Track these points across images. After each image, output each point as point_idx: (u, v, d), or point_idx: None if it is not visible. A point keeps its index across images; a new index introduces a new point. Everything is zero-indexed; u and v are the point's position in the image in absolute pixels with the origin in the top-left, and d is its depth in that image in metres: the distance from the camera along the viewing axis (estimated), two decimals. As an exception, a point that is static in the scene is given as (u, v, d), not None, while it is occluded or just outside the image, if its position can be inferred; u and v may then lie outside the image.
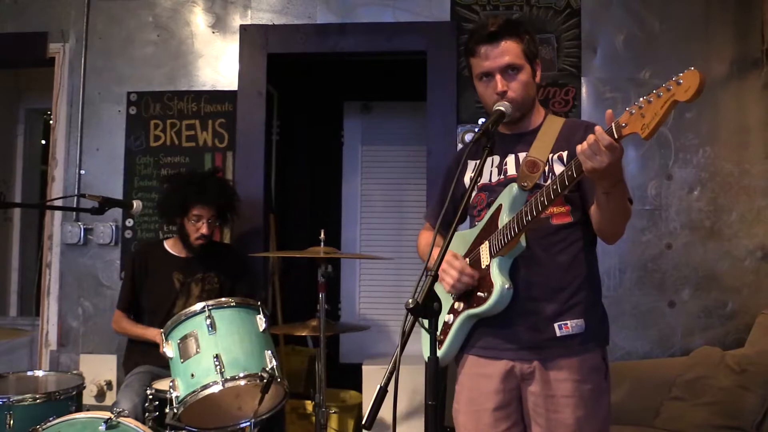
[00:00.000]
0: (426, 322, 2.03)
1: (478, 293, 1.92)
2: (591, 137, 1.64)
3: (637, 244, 3.45)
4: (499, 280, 1.87)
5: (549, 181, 1.79)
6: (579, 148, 1.66)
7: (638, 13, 3.56)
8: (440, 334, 2.01)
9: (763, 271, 3.43)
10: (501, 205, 1.95)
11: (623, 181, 1.78)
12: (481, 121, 3.53)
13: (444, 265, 1.94)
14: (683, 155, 3.49)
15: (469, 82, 3.52)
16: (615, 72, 3.55)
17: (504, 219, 1.91)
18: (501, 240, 1.88)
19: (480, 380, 1.99)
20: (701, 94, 1.43)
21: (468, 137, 3.54)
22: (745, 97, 3.50)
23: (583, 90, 3.55)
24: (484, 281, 1.91)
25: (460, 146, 3.56)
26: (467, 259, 2.00)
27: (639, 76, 3.53)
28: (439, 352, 1.99)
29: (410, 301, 1.57)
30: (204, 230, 3.20)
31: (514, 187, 1.94)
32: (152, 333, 3.08)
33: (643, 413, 3.06)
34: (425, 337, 2.03)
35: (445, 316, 2.02)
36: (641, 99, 1.53)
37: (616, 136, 1.59)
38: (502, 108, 1.93)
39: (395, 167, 5.17)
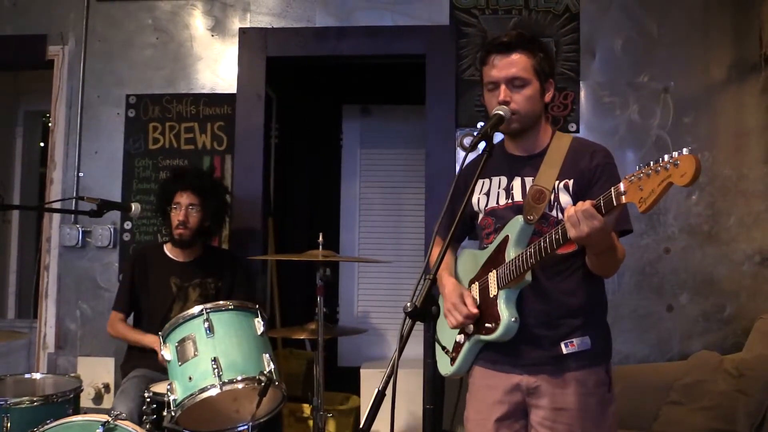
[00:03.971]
0: (442, 339, 2.13)
1: (487, 324, 1.98)
2: (579, 204, 1.70)
3: (635, 248, 3.45)
4: (506, 314, 1.92)
5: (547, 236, 1.82)
6: (566, 213, 1.72)
7: (637, 18, 3.56)
8: (452, 351, 2.10)
9: (761, 275, 3.43)
10: (507, 236, 1.99)
11: (612, 247, 1.85)
12: (480, 124, 3.53)
13: (449, 305, 2.03)
14: (682, 159, 3.48)
15: (468, 86, 3.56)
16: (614, 76, 3.56)
17: (510, 253, 1.95)
18: (508, 275, 1.93)
19: (486, 391, 2.05)
20: (698, 177, 1.45)
21: (467, 141, 3.55)
22: (743, 101, 3.51)
23: (582, 94, 3.55)
24: (492, 312, 1.96)
25: (459, 150, 3.57)
26: (476, 284, 2.05)
27: (638, 80, 3.54)
28: (451, 369, 2.10)
29: (408, 304, 1.58)
30: (181, 217, 3.18)
31: (520, 219, 1.97)
32: (150, 339, 3.07)
33: (641, 417, 3.06)
34: (441, 354, 2.14)
35: (456, 336, 2.09)
36: (641, 168, 1.55)
37: (615, 202, 1.62)
38: (500, 112, 1.94)
39: (394, 170, 5.17)
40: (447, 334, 2.14)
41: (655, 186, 1.52)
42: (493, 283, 1.98)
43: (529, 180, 2.02)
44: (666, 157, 1.50)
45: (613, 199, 1.63)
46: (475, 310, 1.99)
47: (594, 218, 1.67)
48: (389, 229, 5.13)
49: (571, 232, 1.71)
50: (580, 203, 1.71)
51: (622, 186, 1.60)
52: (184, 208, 3.20)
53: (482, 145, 1.83)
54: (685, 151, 1.47)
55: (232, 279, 3.33)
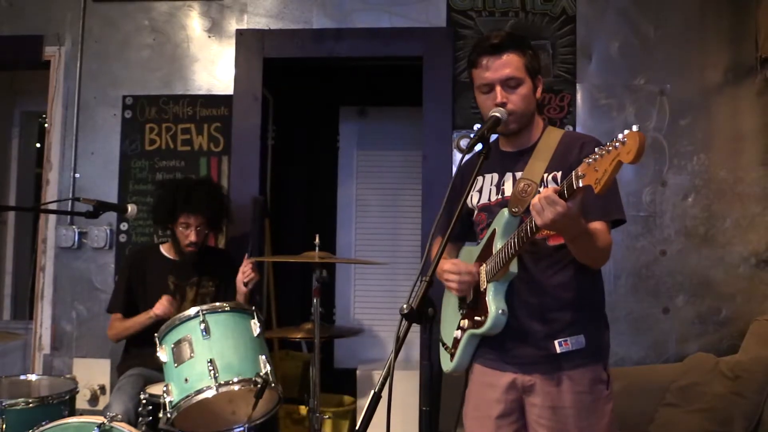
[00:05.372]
0: (443, 336, 2.14)
1: (476, 317, 1.98)
2: (543, 191, 1.71)
3: (631, 250, 3.46)
4: (493, 306, 1.92)
5: (523, 225, 1.83)
6: (531, 202, 1.73)
7: (633, 20, 3.57)
8: (452, 347, 2.10)
9: (757, 278, 3.44)
10: (495, 229, 2.00)
11: (587, 233, 1.84)
12: (476, 126, 3.53)
13: (445, 275, 2.02)
14: (678, 162, 3.50)
15: (465, 88, 3.56)
16: (610, 78, 3.56)
17: (497, 245, 1.96)
18: (494, 267, 1.93)
19: (485, 389, 2.06)
20: (642, 155, 1.48)
21: (463, 143, 3.55)
22: (739, 104, 3.52)
23: (578, 96, 3.56)
24: (481, 305, 1.97)
25: (455, 151, 3.57)
26: (472, 266, 2.05)
27: (634, 82, 3.55)
28: (451, 365, 2.10)
29: (405, 306, 1.58)
30: (192, 238, 3.17)
31: (505, 212, 1.97)
32: (151, 312, 3.02)
33: (636, 419, 3.06)
34: (442, 351, 2.15)
35: (455, 332, 2.10)
36: (596, 150, 1.57)
37: (575, 186, 1.63)
38: (497, 114, 1.95)
39: (391, 172, 5.17)
40: (448, 331, 2.14)
41: (607, 165, 1.53)
42: (483, 277, 1.98)
43: (519, 174, 2.03)
44: (619, 135, 1.51)
45: (573, 182, 1.63)
46: (472, 267, 2.00)
47: (556, 204, 1.67)
48: (386, 231, 5.12)
49: (537, 220, 1.72)
50: (544, 189, 1.71)
51: (580, 169, 1.61)
52: (194, 229, 3.18)
53: (479, 146, 1.84)
54: (634, 128, 1.49)
55: (229, 279, 3.31)
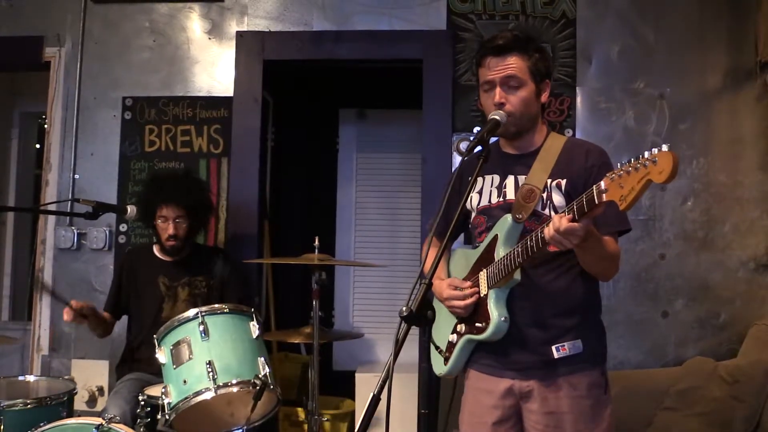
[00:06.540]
0: (436, 339, 2.12)
1: (477, 323, 1.97)
2: (555, 222, 1.68)
3: (630, 254, 3.45)
4: (495, 313, 1.92)
5: (533, 234, 1.81)
6: (546, 234, 1.72)
7: (633, 24, 3.58)
8: (446, 351, 2.09)
9: (756, 282, 3.44)
10: (497, 235, 1.98)
11: (595, 235, 1.81)
12: (476, 129, 3.53)
13: (447, 302, 2.03)
14: (677, 166, 3.49)
15: (465, 91, 3.57)
16: (610, 82, 3.57)
17: (500, 252, 1.94)
18: (497, 274, 1.92)
19: (481, 395, 2.05)
20: (676, 174, 1.46)
21: (463, 146, 3.55)
22: (738, 108, 3.52)
23: (578, 100, 3.56)
24: (482, 311, 1.96)
25: (455, 154, 3.57)
26: (469, 283, 2.04)
27: (634, 86, 3.55)
28: (445, 369, 2.09)
29: (404, 309, 1.58)
30: (171, 231, 3.15)
31: (509, 218, 1.96)
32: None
33: (635, 423, 3.06)
34: (435, 354, 2.14)
35: (449, 336, 2.09)
36: (622, 165, 1.55)
37: (597, 200, 1.61)
38: (496, 117, 1.95)
39: (390, 175, 5.17)
40: (441, 334, 2.14)
41: (635, 183, 1.51)
42: (483, 283, 1.98)
43: (521, 178, 2.02)
44: (646, 153, 1.49)
45: (595, 197, 1.61)
46: (468, 283, 2.00)
47: (573, 233, 1.67)
48: (385, 234, 5.13)
49: (560, 248, 1.73)
50: (556, 219, 1.69)
51: (603, 184, 1.59)
52: (171, 221, 3.16)
53: (479, 148, 1.84)
54: (664, 147, 1.47)
55: (223, 278, 3.30)
